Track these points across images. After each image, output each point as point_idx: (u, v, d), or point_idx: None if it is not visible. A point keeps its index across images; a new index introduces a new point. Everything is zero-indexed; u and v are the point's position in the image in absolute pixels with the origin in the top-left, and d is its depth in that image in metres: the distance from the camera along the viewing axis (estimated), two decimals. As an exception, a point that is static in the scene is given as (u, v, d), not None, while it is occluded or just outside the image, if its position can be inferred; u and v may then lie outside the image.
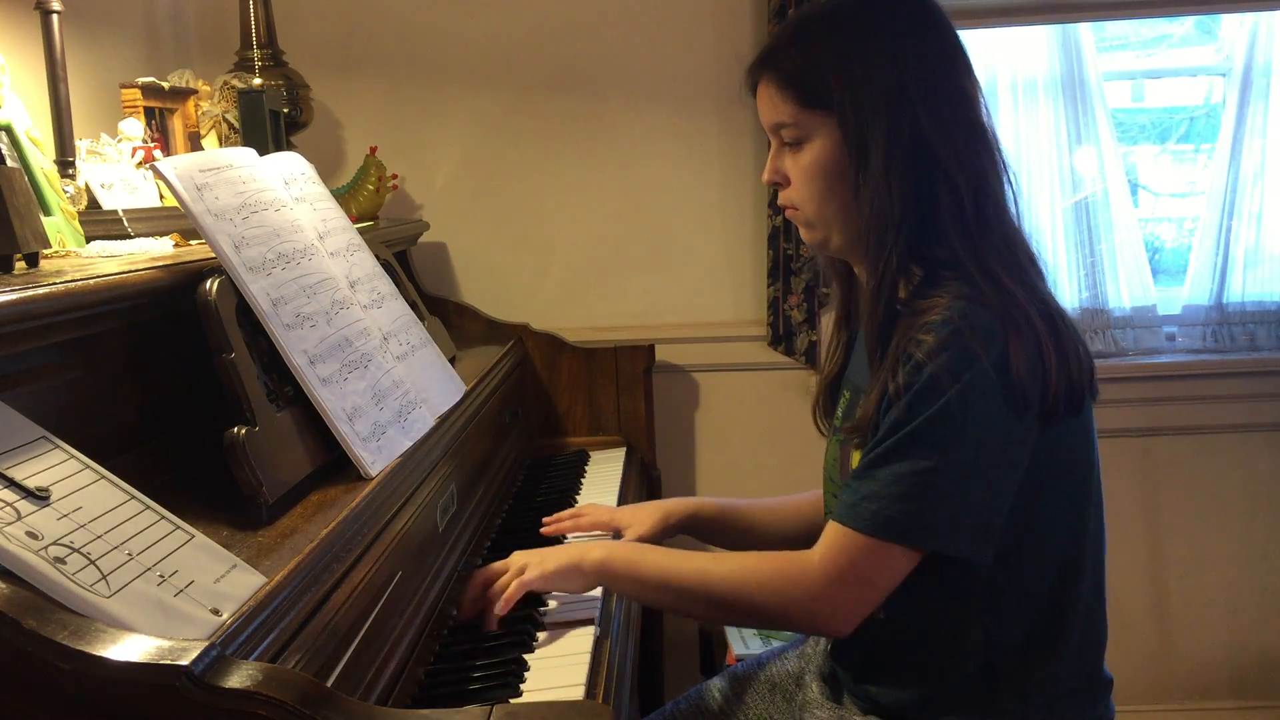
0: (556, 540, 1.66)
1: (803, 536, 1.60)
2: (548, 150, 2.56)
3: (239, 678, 0.82)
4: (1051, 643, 1.27)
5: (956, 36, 1.30)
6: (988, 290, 1.20)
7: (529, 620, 1.39)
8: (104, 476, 0.99)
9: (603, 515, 1.69)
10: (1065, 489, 1.26)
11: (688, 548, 1.45)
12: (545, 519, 1.72)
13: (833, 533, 1.23)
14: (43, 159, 1.55)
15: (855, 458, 1.30)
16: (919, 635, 1.27)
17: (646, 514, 1.66)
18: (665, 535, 1.64)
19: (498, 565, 1.42)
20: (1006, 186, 1.28)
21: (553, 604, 1.46)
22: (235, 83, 2.11)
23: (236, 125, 2.02)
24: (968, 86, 1.29)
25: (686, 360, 2.57)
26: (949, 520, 1.18)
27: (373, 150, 2.27)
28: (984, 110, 1.30)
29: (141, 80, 1.85)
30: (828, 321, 2.28)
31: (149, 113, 1.85)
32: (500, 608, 1.37)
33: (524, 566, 1.39)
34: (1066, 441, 1.24)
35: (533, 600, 1.46)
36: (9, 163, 1.36)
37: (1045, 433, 1.21)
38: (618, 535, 1.64)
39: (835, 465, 1.40)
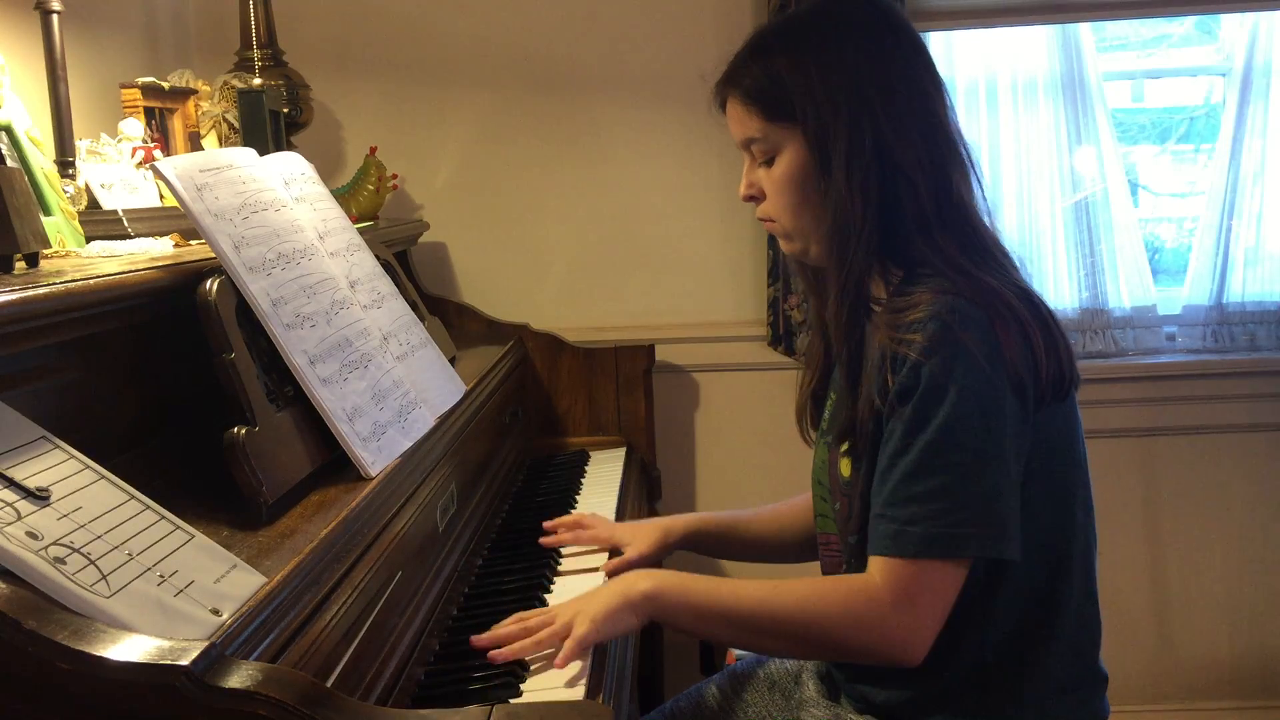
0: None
1: (807, 541, 1.60)
2: (548, 150, 2.56)
3: (239, 678, 0.82)
4: (1043, 639, 1.27)
5: (917, 37, 1.33)
6: (961, 283, 1.21)
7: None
8: (104, 476, 0.99)
9: (603, 532, 1.65)
10: (1052, 481, 1.26)
11: (684, 566, 1.42)
12: (546, 523, 1.69)
13: (885, 565, 1.20)
14: (43, 159, 1.55)
15: (844, 464, 1.31)
16: None
17: (647, 531, 1.61)
18: (666, 553, 1.61)
19: (537, 617, 1.30)
20: (975, 184, 1.30)
21: (552, 604, 1.46)
22: (235, 83, 2.11)
23: (236, 125, 2.02)
24: (929, 87, 1.30)
25: (686, 360, 2.57)
26: (992, 521, 1.18)
27: (373, 150, 2.27)
28: (948, 108, 1.31)
29: (141, 80, 1.85)
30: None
31: (149, 113, 1.85)
32: (560, 662, 1.24)
33: (570, 621, 1.26)
34: (1052, 432, 1.25)
35: (532, 599, 1.46)
36: (9, 163, 1.36)
37: (1036, 423, 1.22)
38: (616, 552, 1.60)
39: (824, 469, 1.40)
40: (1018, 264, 1.31)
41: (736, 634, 1.31)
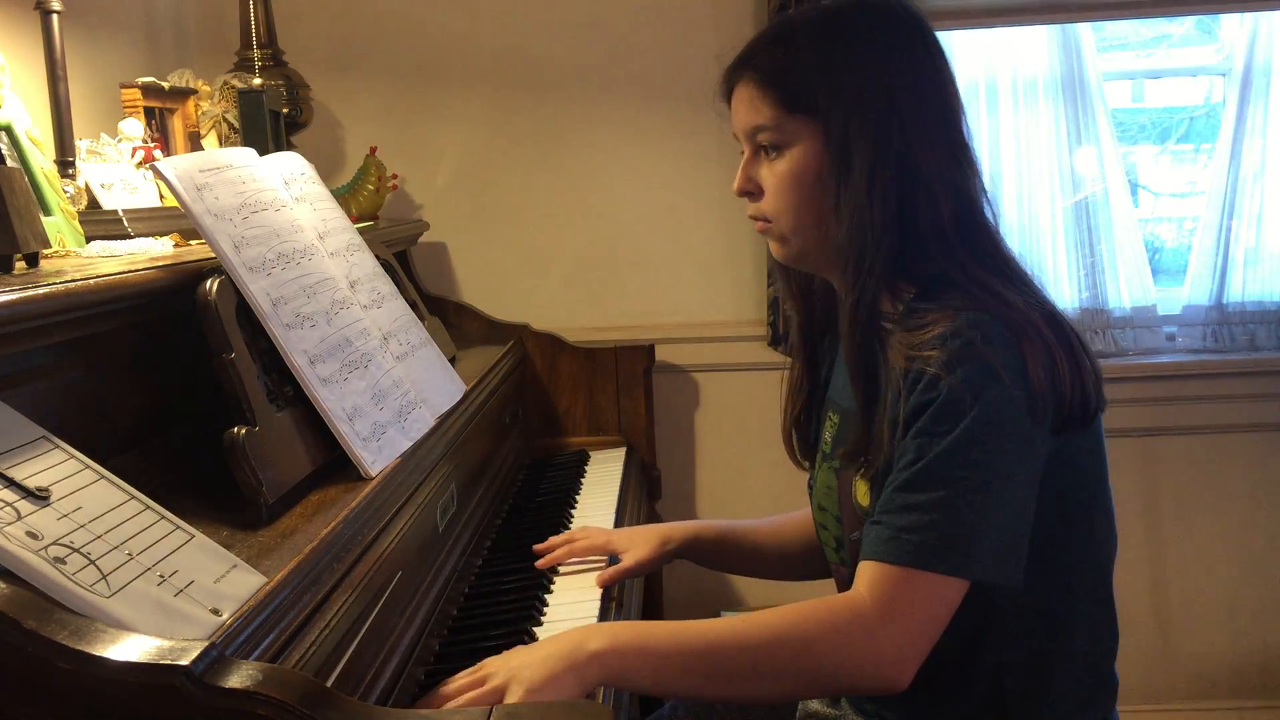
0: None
1: (807, 554, 1.56)
2: (548, 150, 2.56)
3: (239, 678, 0.82)
4: (1060, 659, 1.24)
5: (942, 50, 1.27)
6: (988, 300, 1.16)
7: (529, 620, 1.39)
8: (104, 476, 0.99)
9: (599, 539, 1.57)
10: (1075, 506, 1.22)
11: (685, 574, 1.36)
12: (536, 547, 1.59)
13: (876, 571, 1.13)
14: (43, 159, 1.55)
15: (860, 486, 1.26)
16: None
17: (645, 537, 1.55)
18: (665, 560, 1.55)
19: (464, 680, 1.13)
20: (986, 204, 1.25)
21: (552, 604, 1.46)
22: (235, 83, 2.11)
23: (236, 125, 2.02)
24: (952, 102, 1.26)
25: (686, 360, 2.57)
26: (993, 544, 1.12)
27: (373, 150, 2.27)
28: (965, 126, 1.26)
29: (141, 80, 1.85)
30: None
31: (149, 113, 1.85)
32: None
33: (502, 687, 1.09)
34: (1077, 456, 1.21)
35: (532, 598, 1.46)
36: (9, 163, 1.36)
37: (1056, 447, 1.17)
38: (614, 560, 1.54)
39: (830, 494, 1.34)
40: (1037, 283, 1.25)
41: (705, 681, 1.14)
